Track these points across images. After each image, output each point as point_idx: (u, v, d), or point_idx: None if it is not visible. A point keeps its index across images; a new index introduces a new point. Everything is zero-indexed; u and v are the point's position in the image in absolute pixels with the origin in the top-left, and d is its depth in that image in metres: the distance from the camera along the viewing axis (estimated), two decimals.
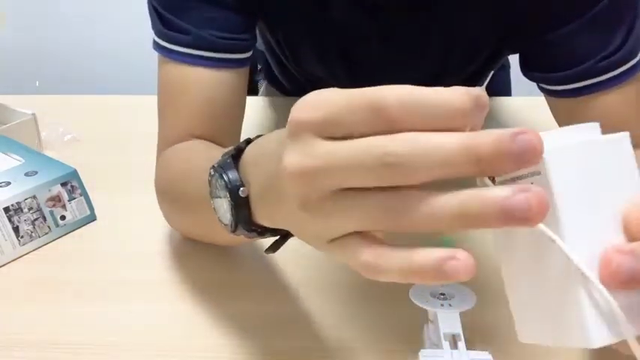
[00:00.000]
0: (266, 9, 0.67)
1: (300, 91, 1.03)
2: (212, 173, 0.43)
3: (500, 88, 1.01)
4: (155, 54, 0.66)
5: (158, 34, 0.65)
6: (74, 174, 0.72)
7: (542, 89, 0.65)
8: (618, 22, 0.58)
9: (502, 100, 0.99)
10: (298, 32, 0.74)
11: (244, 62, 0.66)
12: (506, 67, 1.05)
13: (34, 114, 0.86)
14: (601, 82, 0.59)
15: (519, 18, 0.63)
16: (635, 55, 0.60)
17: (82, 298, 0.61)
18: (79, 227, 0.72)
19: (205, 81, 0.64)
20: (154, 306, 0.60)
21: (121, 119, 1.00)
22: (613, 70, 0.59)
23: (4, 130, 0.83)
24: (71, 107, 1.03)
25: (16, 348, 0.55)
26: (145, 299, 0.61)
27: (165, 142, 0.67)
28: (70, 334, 0.56)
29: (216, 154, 0.44)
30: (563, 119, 0.65)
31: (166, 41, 0.64)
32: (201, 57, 0.63)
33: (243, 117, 0.69)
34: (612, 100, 0.60)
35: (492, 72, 0.85)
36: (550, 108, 0.66)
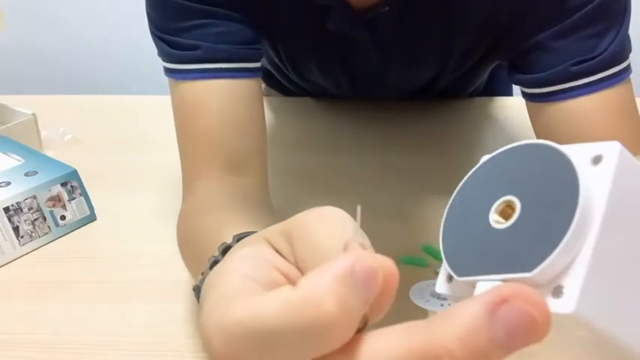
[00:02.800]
0: (268, 23, 0.67)
1: (301, 91, 1.03)
2: (194, 291, 0.40)
3: (500, 87, 1.01)
4: (156, 54, 0.66)
5: (166, 58, 0.62)
6: (74, 174, 0.72)
7: (522, 94, 0.64)
8: (599, 31, 0.57)
9: (502, 100, 0.99)
10: (300, 45, 0.74)
11: (258, 71, 0.64)
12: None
13: (34, 114, 0.87)
14: (575, 87, 0.58)
15: (504, 25, 0.62)
16: (618, 63, 0.58)
17: (82, 298, 0.61)
18: (79, 227, 0.72)
19: (223, 94, 0.61)
20: (154, 306, 0.60)
21: (121, 119, 1.00)
22: (589, 76, 0.57)
23: (4, 130, 0.83)
24: (71, 107, 1.03)
25: (16, 348, 0.55)
26: (145, 299, 0.61)
27: (189, 178, 0.63)
28: (70, 334, 0.56)
29: (219, 237, 0.41)
30: (538, 125, 0.63)
31: (176, 62, 0.61)
32: (216, 69, 0.61)
33: (265, 128, 0.65)
34: (589, 106, 0.58)
35: (490, 69, 0.85)
36: (529, 115, 0.64)
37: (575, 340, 0.21)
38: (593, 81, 0.57)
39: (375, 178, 0.80)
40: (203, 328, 0.20)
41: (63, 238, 0.71)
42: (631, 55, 0.60)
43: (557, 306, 0.19)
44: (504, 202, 0.21)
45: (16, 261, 0.67)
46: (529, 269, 0.19)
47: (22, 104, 0.89)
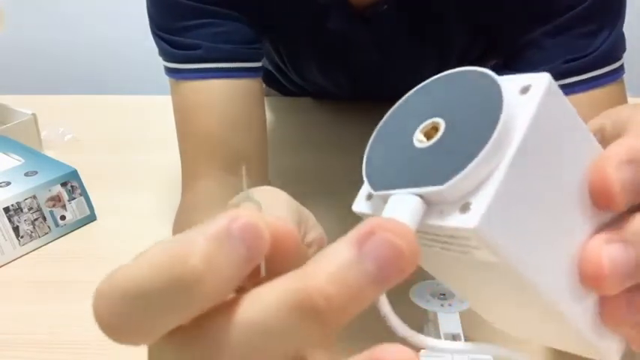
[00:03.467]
0: (269, 23, 0.67)
1: (301, 91, 1.03)
2: None
3: None
4: (157, 54, 0.66)
5: (167, 57, 0.62)
6: (74, 174, 0.72)
7: None
8: (592, 30, 0.57)
9: None
10: (300, 44, 0.74)
11: (259, 71, 0.64)
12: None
13: (34, 114, 0.87)
14: (566, 84, 0.57)
15: (501, 23, 0.62)
16: (611, 63, 0.58)
17: (82, 298, 0.61)
18: (79, 227, 0.72)
19: (224, 93, 0.61)
20: None
21: (121, 119, 1.00)
22: (581, 74, 0.57)
23: (4, 130, 0.83)
24: (71, 107, 1.03)
25: (16, 348, 0.55)
26: None
27: (188, 177, 0.63)
28: (70, 334, 0.56)
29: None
30: None
31: (176, 62, 0.61)
32: (217, 69, 0.61)
33: (265, 128, 0.66)
34: (579, 105, 0.57)
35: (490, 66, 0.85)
36: None
37: (483, 270, 0.21)
38: (584, 79, 0.57)
39: None
40: (92, 301, 0.19)
41: (63, 238, 0.71)
42: (625, 55, 0.59)
43: (461, 221, 0.19)
44: (430, 123, 0.22)
45: (16, 261, 0.67)
46: (441, 182, 0.19)
47: (22, 104, 0.89)
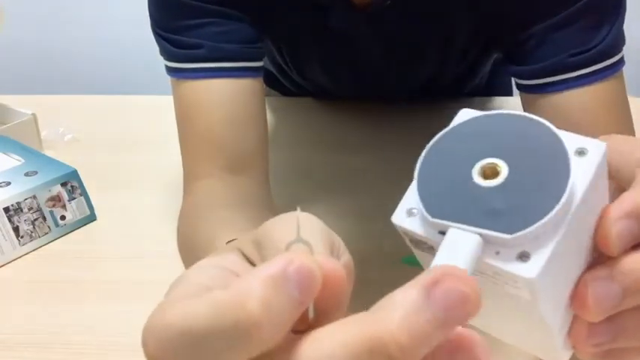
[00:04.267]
0: (270, 22, 0.67)
1: (302, 91, 1.03)
2: None
3: (501, 87, 1.00)
4: (157, 54, 0.65)
5: (168, 57, 0.62)
6: (74, 174, 0.72)
7: (516, 85, 0.64)
8: (596, 23, 0.57)
9: (503, 101, 0.99)
10: (302, 44, 0.74)
11: (260, 71, 0.64)
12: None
13: (34, 114, 0.87)
14: (569, 79, 0.58)
15: (503, 17, 0.62)
16: (611, 56, 0.58)
17: (81, 298, 0.61)
18: (79, 227, 0.72)
19: (225, 93, 0.61)
20: (154, 306, 0.60)
21: (121, 119, 1.00)
22: (584, 68, 0.57)
23: (4, 130, 0.83)
24: (71, 107, 1.03)
25: (16, 348, 0.55)
26: (145, 299, 0.61)
27: (190, 177, 0.63)
28: (70, 334, 0.56)
29: (214, 239, 0.43)
30: None
31: (178, 61, 0.61)
32: (219, 68, 0.61)
33: (266, 128, 0.65)
34: (580, 99, 0.58)
35: (489, 66, 0.85)
36: (522, 107, 0.64)
37: (512, 300, 0.23)
38: (587, 73, 0.57)
39: (375, 178, 0.80)
40: (142, 334, 0.20)
41: (63, 238, 0.71)
42: (625, 55, 0.60)
43: (520, 269, 0.21)
44: (489, 163, 0.23)
45: (16, 261, 0.67)
46: (509, 232, 0.21)
47: (22, 104, 0.89)
